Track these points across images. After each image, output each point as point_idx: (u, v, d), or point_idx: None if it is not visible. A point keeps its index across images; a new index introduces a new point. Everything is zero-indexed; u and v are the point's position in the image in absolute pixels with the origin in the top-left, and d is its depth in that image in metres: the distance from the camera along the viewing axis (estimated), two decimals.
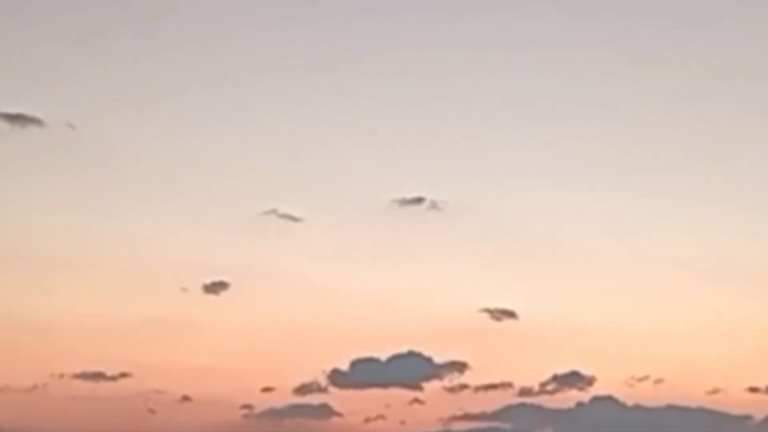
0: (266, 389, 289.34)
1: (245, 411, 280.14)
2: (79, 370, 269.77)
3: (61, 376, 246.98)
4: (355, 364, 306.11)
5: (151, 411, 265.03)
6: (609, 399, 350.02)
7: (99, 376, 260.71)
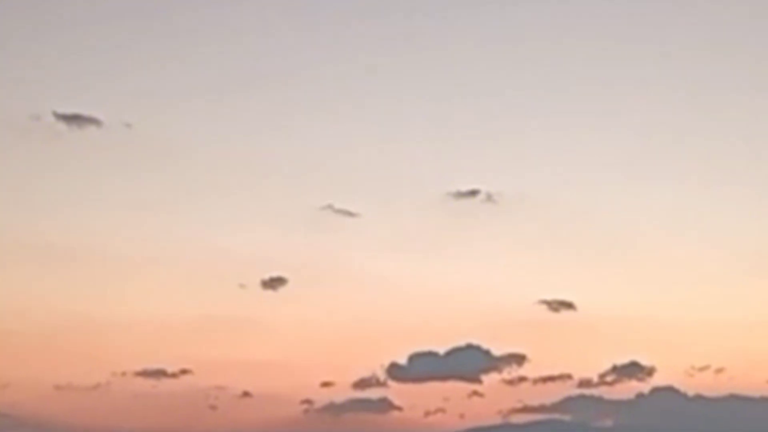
0: (325, 384, 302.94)
1: (305, 406, 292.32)
2: (140, 367, 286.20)
3: (123, 374, 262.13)
4: (414, 357, 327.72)
5: (212, 407, 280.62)
6: (669, 389, 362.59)
7: (160, 373, 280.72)
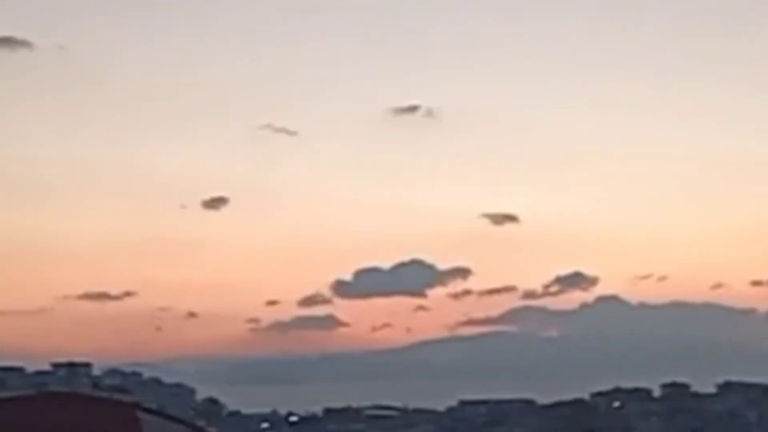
0: (271, 302, 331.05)
1: (252, 325, 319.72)
2: (83, 291, 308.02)
3: (66, 297, 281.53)
4: (359, 274, 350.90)
5: (158, 328, 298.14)
6: (613, 298, 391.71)
7: (104, 296, 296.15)
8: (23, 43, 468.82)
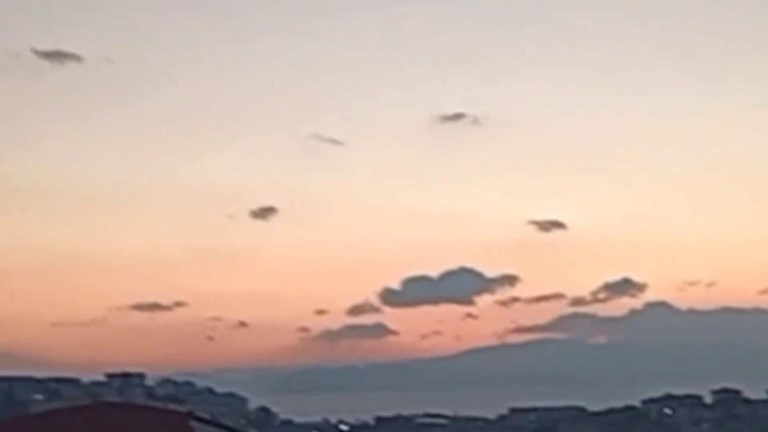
0: (320, 311, 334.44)
1: (302, 334, 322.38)
2: (134, 302, 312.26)
3: (119, 308, 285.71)
4: (407, 282, 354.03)
5: (210, 338, 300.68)
6: (662, 305, 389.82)
7: (155, 306, 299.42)
8: (72, 56, 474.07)
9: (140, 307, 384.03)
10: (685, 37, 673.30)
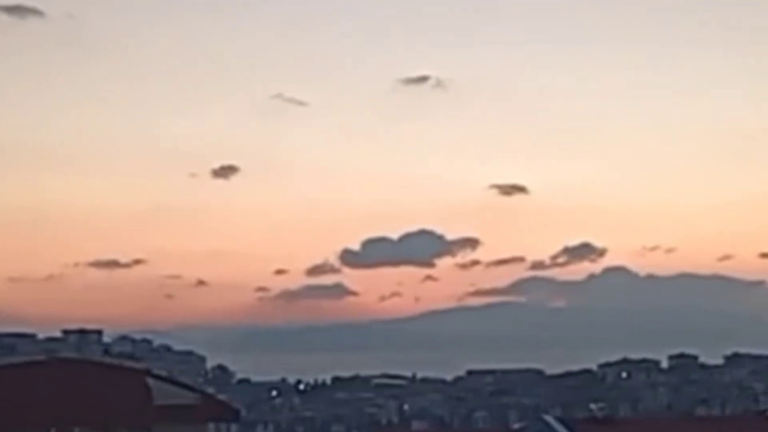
0: (279, 271, 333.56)
1: (260, 293, 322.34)
2: (93, 258, 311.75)
3: (76, 265, 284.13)
4: (367, 243, 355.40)
5: (168, 296, 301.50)
6: (621, 269, 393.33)
7: (113, 263, 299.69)
8: (34, 11, 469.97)
9: (98, 264, 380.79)
10: (647, 8, 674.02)
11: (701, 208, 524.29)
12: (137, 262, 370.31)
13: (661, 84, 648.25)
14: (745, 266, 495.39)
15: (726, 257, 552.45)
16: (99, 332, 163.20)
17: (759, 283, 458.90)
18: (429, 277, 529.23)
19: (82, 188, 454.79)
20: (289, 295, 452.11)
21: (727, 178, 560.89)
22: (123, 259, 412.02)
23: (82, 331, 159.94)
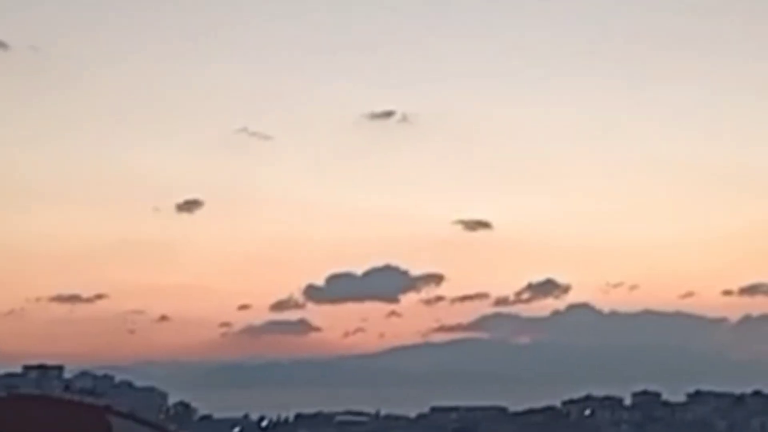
0: (243, 306, 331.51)
1: (224, 329, 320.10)
2: (55, 293, 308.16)
3: (38, 299, 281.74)
4: (331, 279, 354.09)
5: (130, 331, 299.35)
6: (585, 306, 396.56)
7: (75, 298, 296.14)
8: None
9: (60, 299, 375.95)
10: (611, 41, 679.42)
11: (664, 245, 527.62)
12: (99, 296, 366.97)
13: (627, 120, 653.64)
14: (708, 303, 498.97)
15: (688, 294, 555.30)
16: (60, 368, 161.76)
17: (721, 321, 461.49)
18: (393, 313, 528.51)
19: (44, 221, 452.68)
20: (252, 331, 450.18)
21: (689, 215, 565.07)
22: (85, 294, 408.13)
23: (42, 367, 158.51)
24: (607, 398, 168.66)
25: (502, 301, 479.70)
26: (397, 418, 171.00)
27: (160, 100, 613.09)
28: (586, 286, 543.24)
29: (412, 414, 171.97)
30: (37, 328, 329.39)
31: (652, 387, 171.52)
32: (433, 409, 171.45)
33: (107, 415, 31.23)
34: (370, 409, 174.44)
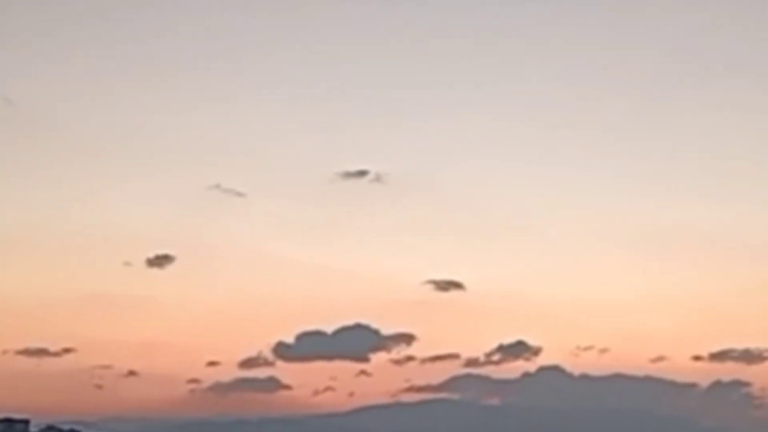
0: (212, 363, 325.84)
1: (192, 385, 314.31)
2: (22, 346, 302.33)
3: (4, 353, 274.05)
4: (301, 337, 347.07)
5: (98, 386, 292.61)
6: (555, 369, 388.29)
7: (42, 352, 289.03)
8: None
9: (27, 352, 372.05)
10: (584, 102, 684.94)
11: (635, 309, 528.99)
12: (67, 350, 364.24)
13: (597, 181, 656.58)
14: (678, 368, 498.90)
15: (659, 359, 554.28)
16: (26, 422, 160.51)
17: (691, 386, 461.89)
18: (363, 372, 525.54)
19: (11, 274, 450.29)
20: (221, 388, 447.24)
21: (660, 279, 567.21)
22: (52, 348, 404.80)
23: (8, 420, 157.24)
24: None
25: (472, 362, 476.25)
26: None
27: (133, 154, 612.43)
28: (557, 349, 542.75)
29: None
30: (3, 381, 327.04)
31: None
32: None
33: None
34: None
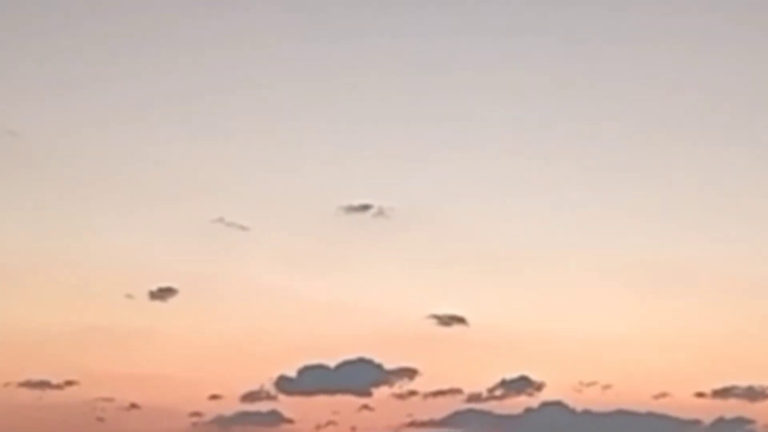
0: (214, 397, 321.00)
1: (194, 419, 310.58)
2: (23, 378, 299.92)
3: (6, 385, 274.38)
4: (303, 370, 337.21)
5: (99, 419, 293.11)
6: (558, 404, 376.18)
7: (44, 384, 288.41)
8: None
9: (29, 385, 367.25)
10: (587, 138, 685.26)
11: (638, 344, 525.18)
12: (69, 383, 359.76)
13: (599, 215, 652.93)
14: (681, 404, 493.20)
15: (662, 395, 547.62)
16: None
17: (694, 423, 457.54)
18: (365, 407, 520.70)
19: (13, 306, 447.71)
20: (223, 421, 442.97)
21: (663, 315, 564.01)
22: (54, 380, 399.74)
23: None
24: None
25: (475, 398, 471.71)
26: None
27: (136, 186, 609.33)
28: (560, 384, 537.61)
29: None
30: (4, 413, 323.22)
31: None
32: None
33: None
34: None
